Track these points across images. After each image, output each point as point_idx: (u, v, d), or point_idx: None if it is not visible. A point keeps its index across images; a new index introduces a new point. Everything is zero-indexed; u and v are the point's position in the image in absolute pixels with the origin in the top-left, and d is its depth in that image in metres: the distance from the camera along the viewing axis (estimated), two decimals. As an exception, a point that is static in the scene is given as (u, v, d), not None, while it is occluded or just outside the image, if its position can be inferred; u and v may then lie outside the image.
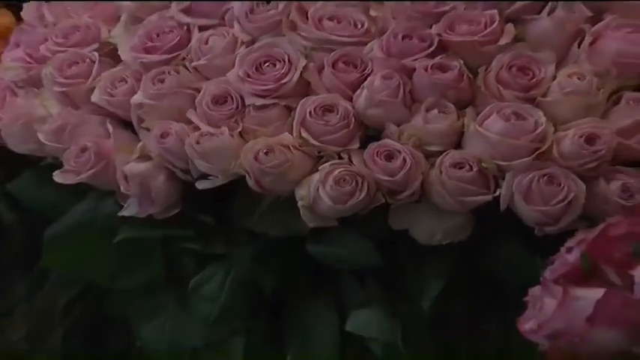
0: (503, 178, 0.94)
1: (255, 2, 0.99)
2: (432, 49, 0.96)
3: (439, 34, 0.96)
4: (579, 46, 0.97)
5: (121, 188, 1.00)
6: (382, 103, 0.95)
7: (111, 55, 1.03)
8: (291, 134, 0.95)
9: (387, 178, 0.93)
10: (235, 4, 0.99)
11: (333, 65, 0.96)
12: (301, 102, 0.95)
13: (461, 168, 0.93)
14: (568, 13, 0.96)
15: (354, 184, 0.94)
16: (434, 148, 0.94)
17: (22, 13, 1.11)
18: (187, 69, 0.99)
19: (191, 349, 1.04)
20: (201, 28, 1.00)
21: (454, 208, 0.94)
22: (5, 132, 1.05)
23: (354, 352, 0.99)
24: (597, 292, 0.81)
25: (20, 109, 1.04)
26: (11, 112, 1.04)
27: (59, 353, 1.29)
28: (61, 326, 1.30)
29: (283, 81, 0.96)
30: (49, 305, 1.30)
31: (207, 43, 0.99)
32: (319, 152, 0.95)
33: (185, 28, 1.00)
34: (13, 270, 1.30)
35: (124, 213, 1.00)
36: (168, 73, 0.99)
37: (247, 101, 0.97)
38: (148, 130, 0.99)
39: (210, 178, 0.97)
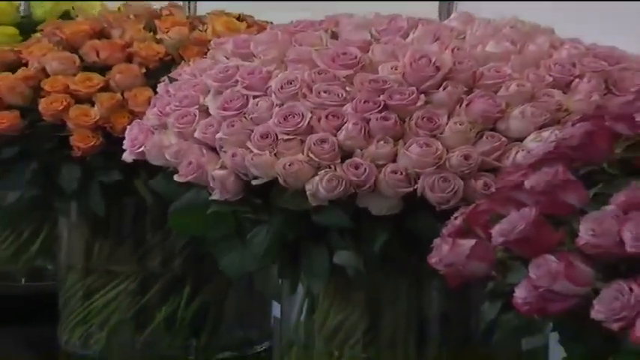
0: (419, 178, 0.92)
1: (283, 82, 0.97)
2: (380, 108, 0.94)
3: (384, 100, 0.94)
4: (460, 106, 0.95)
5: (210, 184, 0.98)
6: (353, 138, 0.93)
7: (205, 112, 1.01)
8: (303, 154, 0.94)
9: (355, 179, 0.92)
10: (272, 85, 0.98)
11: (326, 117, 0.95)
12: (308, 137, 0.94)
13: (396, 173, 0.92)
14: (454, 89, 0.95)
15: (337, 181, 0.92)
16: (381, 162, 0.93)
17: (157, 89, 1.10)
18: (246, 119, 0.97)
19: (249, 272, 1.04)
20: (254, 97, 0.98)
21: (392, 195, 0.93)
22: (148, 154, 1.04)
23: (337, 274, 0.98)
24: (471, 242, 0.80)
25: (156, 141, 1.03)
26: (151, 143, 1.03)
27: (179, 272, 1.29)
28: (180, 257, 1.29)
29: (298, 126, 0.94)
30: (172, 246, 1.29)
31: (257, 105, 0.97)
32: (319, 165, 0.94)
33: (245, 97, 0.98)
34: (153, 228, 1.30)
35: (212, 197, 0.98)
36: (236, 121, 0.97)
37: (279, 137, 0.95)
38: (225, 152, 0.97)
39: (259, 178, 0.96)
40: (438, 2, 1.27)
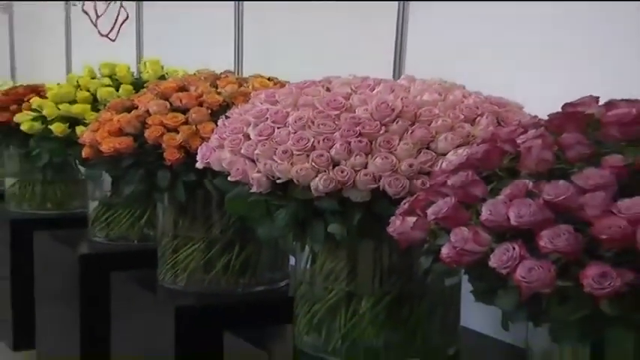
0: (381, 179, 0.91)
1: (296, 118, 0.95)
2: (357, 134, 0.93)
3: (359, 130, 0.93)
4: (407, 133, 0.93)
5: (250, 182, 0.97)
6: (340, 153, 0.92)
7: (247, 137, 0.99)
8: (309, 164, 0.93)
9: (341, 179, 0.91)
10: (289, 120, 0.96)
11: (323, 140, 0.93)
12: (312, 153, 0.93)
13: (367, 175, 0.91)
14: (403, 123, 0.93)
15: (330, 181, 0.91)
16: (358, 169, 0.91)
17: (218, 123, 1.08)
18: (273, 142, 0.96)
19: (275, 237, 1.01)
20: (278, 128, 0.97)
21: (364, 189, 0.92)
22: (212, 164, 1.02)
23: (330, 238, 0.95)
24: (414, 218, 0.80)
25: (217, 156, 1.01)
26: (214, 157, 1.02)
27: (232, 237, 1.27)
28: (232, 228, 1.28)
29: (306, 146, 0.93)
30: (227, 221, 1.28)
31: (280, 132, 0.96)
32: (318, 170, 0.92)
33: (272, 127, 0.97)
34: (215, 210, 1.29)
35: (252, 191, 0.97)
36: (267, 143, 0.96)
37: (294, 153, 0.94)
38: (260, 162, 0.96)
39: (281, 178, 0.94)
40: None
